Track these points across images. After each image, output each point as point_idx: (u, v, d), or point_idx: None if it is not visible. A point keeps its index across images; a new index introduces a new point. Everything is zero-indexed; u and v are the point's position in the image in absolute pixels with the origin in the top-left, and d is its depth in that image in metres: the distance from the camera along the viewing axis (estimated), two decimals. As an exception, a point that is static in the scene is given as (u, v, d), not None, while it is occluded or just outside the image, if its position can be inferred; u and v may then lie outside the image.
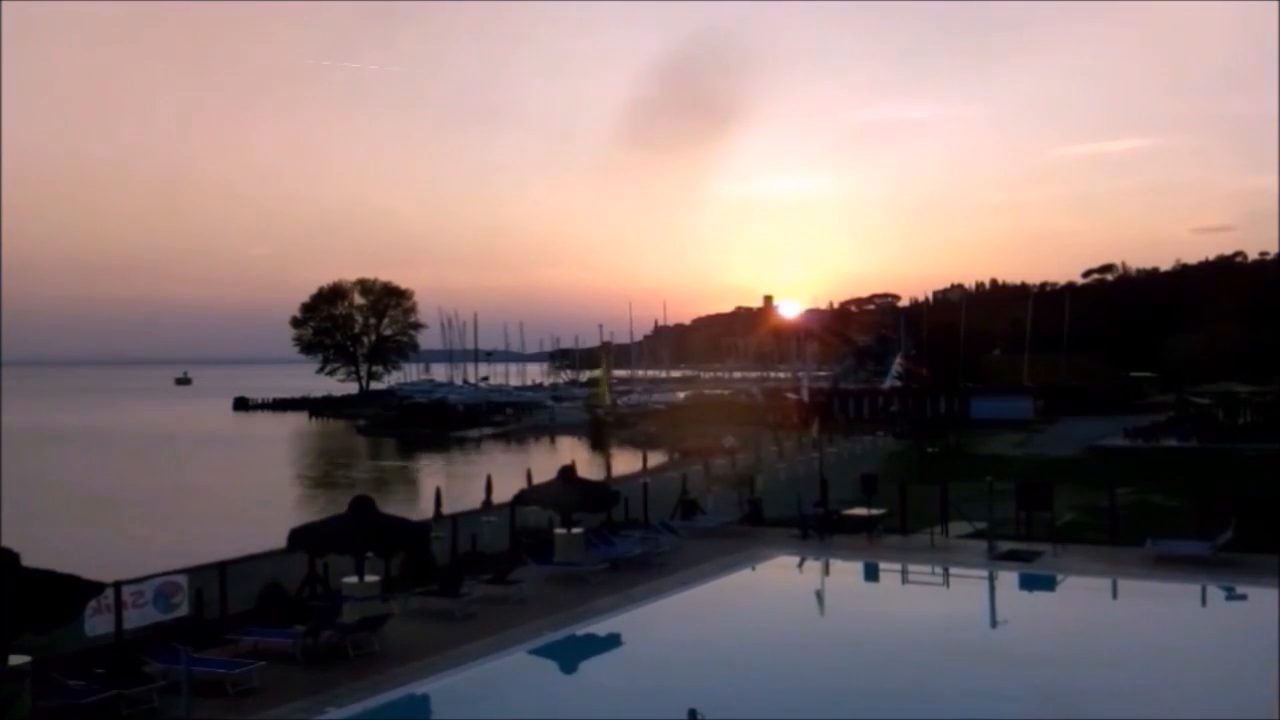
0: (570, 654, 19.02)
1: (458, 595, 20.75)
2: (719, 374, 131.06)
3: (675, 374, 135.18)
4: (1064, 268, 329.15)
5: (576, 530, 25.46)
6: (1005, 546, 25.86)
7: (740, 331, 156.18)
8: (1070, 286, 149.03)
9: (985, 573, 24.39)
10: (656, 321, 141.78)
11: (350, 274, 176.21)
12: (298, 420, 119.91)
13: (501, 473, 46.07)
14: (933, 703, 16.14)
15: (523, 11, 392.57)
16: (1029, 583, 24.19)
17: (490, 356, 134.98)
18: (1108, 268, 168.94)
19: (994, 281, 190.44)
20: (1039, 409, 79.74)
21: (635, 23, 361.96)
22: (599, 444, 78.03)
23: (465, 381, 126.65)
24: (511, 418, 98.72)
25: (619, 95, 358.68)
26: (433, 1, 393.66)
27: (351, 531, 19.49)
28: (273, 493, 54.39)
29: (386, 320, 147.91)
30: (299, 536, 20.16)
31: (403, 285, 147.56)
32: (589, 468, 48.53)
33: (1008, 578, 24.21)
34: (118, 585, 16.91)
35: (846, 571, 26.03)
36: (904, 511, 28.57)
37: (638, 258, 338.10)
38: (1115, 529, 26.69)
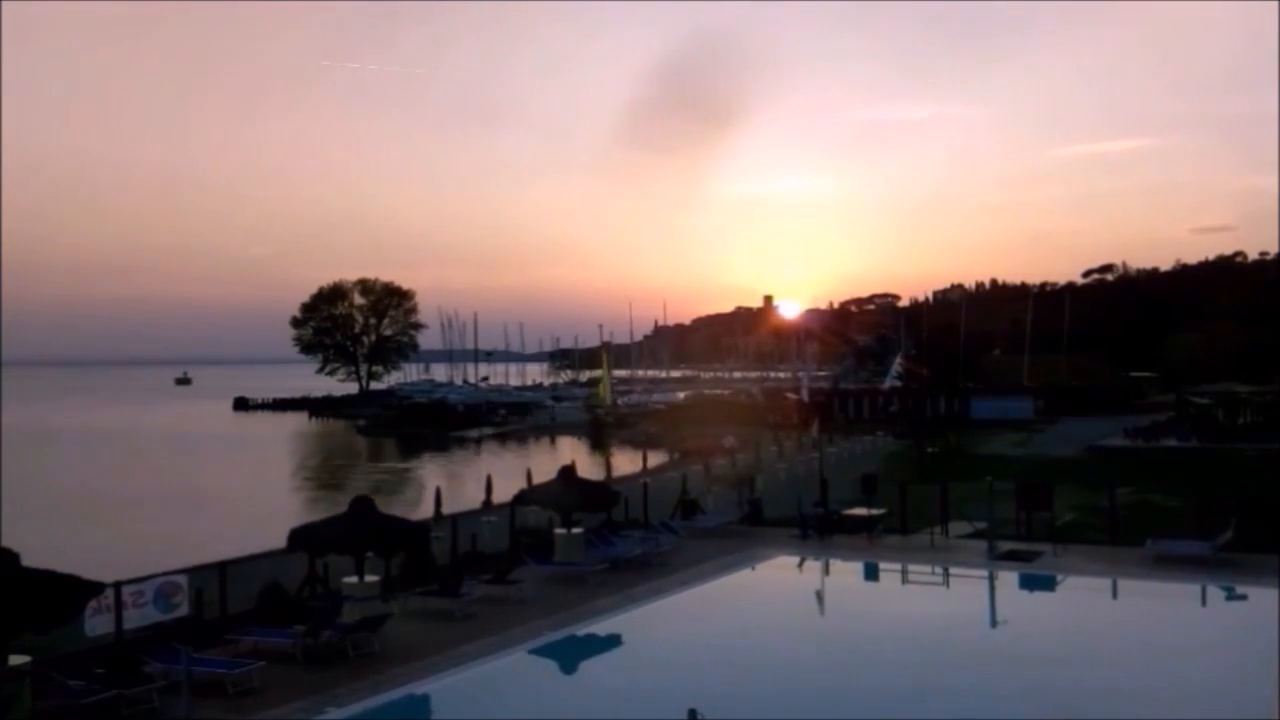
0: (570, 654, 19.01)
1: (458, 595, 20.75)
2: (719, 374, 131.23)
3: (675, 374, 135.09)
4: (1064, 268, 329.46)
5: (576, 530, 25.48)
6: (1005, 546, 25.85)
7: (740, 331, 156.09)
8: (1070, 286, 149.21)
9: (985, 573, 24.40)
10: (656, 321, 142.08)
11: (350, 274, 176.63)
12: (298, 420, 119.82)
13: (501, 473, 46.13)
14: (933, 703, 16.14)
15: (523, 11, 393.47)
16: (1029, 583, 24.20)
17: (490, 356, 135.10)
18: (1108, 268, 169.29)
19: (994, 281, 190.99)
20: (1039, 409, 79.69)
21: (635, 23, 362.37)
22: (599, 444, 78.11)
23: (465, 381, 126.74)
24: (512, 418, 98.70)
25: (619, 95, 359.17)
26: (433, 1, 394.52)
27: (351, 531, 19.50)
28: (272, 493, 54.44)
29: (387, 320, 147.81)
30: (299, 536, 20.17)
31: (403, 285, 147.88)
32: (589, 468, 48.62)
33: (1008, 578, 24.21)
34: (118, 585, 16.92)
35: (846, 571, 26.02)
36: (904, 511, 28.55)
37: (638, 258, 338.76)
38: (1115, 529, 26.68)
